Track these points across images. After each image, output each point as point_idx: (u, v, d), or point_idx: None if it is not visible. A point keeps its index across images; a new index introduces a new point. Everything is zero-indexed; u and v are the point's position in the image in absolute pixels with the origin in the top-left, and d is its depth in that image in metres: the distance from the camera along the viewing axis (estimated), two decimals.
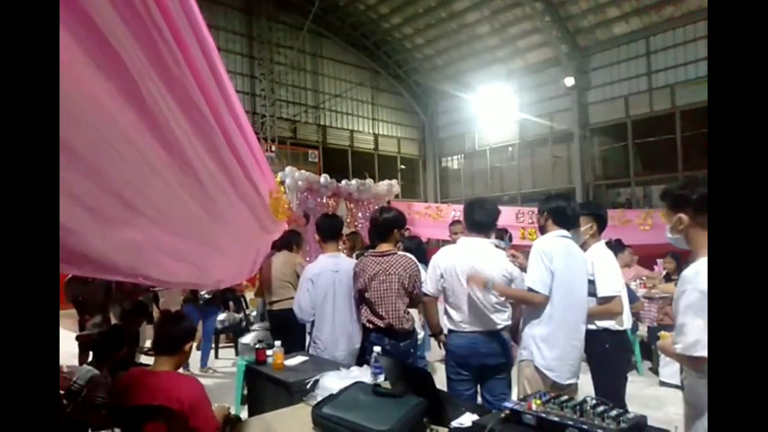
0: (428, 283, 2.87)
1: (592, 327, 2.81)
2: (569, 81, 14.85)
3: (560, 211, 2.67)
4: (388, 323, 2.90)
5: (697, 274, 1.54)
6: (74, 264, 1.27)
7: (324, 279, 3.15)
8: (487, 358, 2.70)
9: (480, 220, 2.84)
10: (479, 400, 2.80)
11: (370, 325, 2.97)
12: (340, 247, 7.16)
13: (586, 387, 2.78)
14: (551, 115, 15.80)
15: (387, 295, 2.92)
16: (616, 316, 2.81)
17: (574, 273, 2.58)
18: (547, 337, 2.50)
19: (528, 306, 2.62)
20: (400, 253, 3.11)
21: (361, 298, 3.03)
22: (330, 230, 3.35)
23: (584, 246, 2.97)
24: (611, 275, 2.80)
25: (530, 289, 2.54)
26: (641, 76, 14.18)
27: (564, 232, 2.66)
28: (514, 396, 2.65)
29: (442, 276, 2.80)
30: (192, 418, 1.90)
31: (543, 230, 2.74)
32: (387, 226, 3.05)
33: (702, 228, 1.55)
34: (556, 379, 2.48)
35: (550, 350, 2.49)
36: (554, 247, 2.56)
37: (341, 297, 3.15)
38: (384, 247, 3.04)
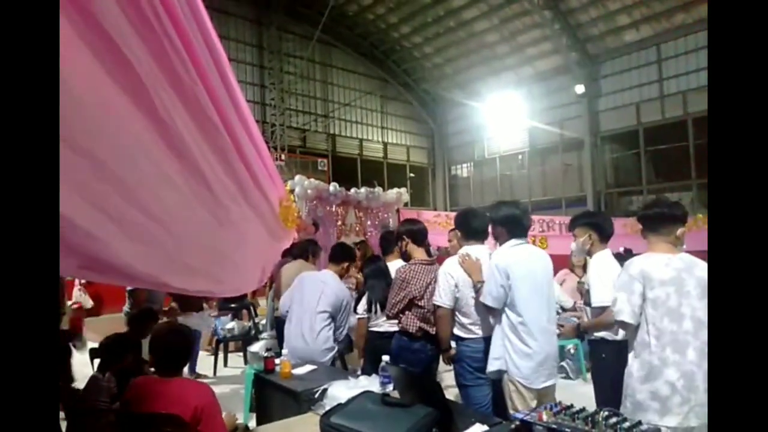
0: (442, 296, 2.80)
1: (592, 337, 2.80)
2: (579, 89, 14.80)
3: (513, 220, 2.67)
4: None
5: (631, 263, 2.15)
6: (97, 271, 1.29)
7: (310, 282, 3.49)
8: None
9: (477, 227, 2.92)
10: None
11: (419, 333, 2.96)
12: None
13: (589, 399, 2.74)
14: (561, 122, 15.74)
15: None
16: (610, 327, 2.69)
17: (538, 278, 2.60)
18: (518, 348, 2.49)
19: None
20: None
21: (409, 305, 3.01)
22: (334, 254, 3.71)
23: (590, 254, 2.93)
24: (604, 285, 2.68)
25: (484, 305, 2.59)
26: (652, 83, 14.10)
27: (519, 240, 2.65)
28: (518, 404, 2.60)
29: (456, 285, 2.78)
30: (202, 423, 1.90)
31: (498, 240, 2.75)
32: (426, 234, 3.30)
33: (647, 235, 2.21)
34: (530, 386, 2.48)
35: (521, 360, 2.48)
36: (510, 261, 2.56)
37: (322, 302, 3.37)
38: (424, 255, 3.19)
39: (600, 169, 15.21)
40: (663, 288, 2.05)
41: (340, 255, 3.68)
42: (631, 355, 2.16)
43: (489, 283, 2.57)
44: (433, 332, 2.95)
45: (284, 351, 3.00)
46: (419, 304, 2.97)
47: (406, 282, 3.01)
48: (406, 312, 3.01)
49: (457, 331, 2.84)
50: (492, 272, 2.57)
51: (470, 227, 2.95)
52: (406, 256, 3.26)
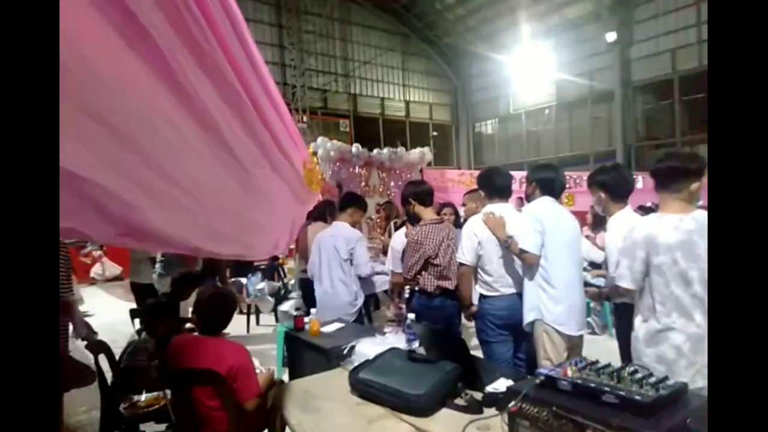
0: (465, 253, 2.86)
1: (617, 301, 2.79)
2: (611, 36, 14.04)
3: (547, 182, 2.75)
4: (455, 284, 3.03)
5: (638, 225, 2.13)
6: (135, 238, 1.33)
7: (323, 240, 3.60)
8: None
9: (502, 185, 2.97)
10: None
11: (437, 291, 3.06)
12: (374, 216, 7.14)
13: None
14: (591, 73, 15.05)
15: (454, 258, 3.05)
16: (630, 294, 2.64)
17: (566, 233, 2.68)
18: (552, 295, 2.58)
19: (527, 266, 2.68)
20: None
21: (425, 265, 3.07)
22: (340, 204, 3.85)
23: (606, 213, 2.73)
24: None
25: (522, 251, 2.63)
26: (689, 28, 13.23)
27: (550, 198, 2.73)
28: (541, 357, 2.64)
29: (479, 243, 2.82)
30: (238, 380, 2.02)
31: (529, 199, 2.84)
32: (432, 193, 3.33)
33: (659, 192, 2.11)
34: (566, 331, 2.58)
35: (556, 305, 2.57)
36: (543, 212, 2.65)
37: (336, 256, 3.50)
38: (433, 214, 3.25)
39: (631, 121, 14.61)
40: (669, 253, 2.00)
41: (344, 202, 3.79)
42: (638, 319, 2.15)
43: (527, 232, 2.62)
44: (451, 288, 3.04)
45: (313, 311, 3.11)
46: (434, 262, 3.04)
47: (420, 243, 3.06)
48: (423, 272, 3.07)
49: (480, 288, 2.89)
50: (528, 221, 2.64)
51: (494, 186, 2.97)
52: (414, 219, 3.27)
